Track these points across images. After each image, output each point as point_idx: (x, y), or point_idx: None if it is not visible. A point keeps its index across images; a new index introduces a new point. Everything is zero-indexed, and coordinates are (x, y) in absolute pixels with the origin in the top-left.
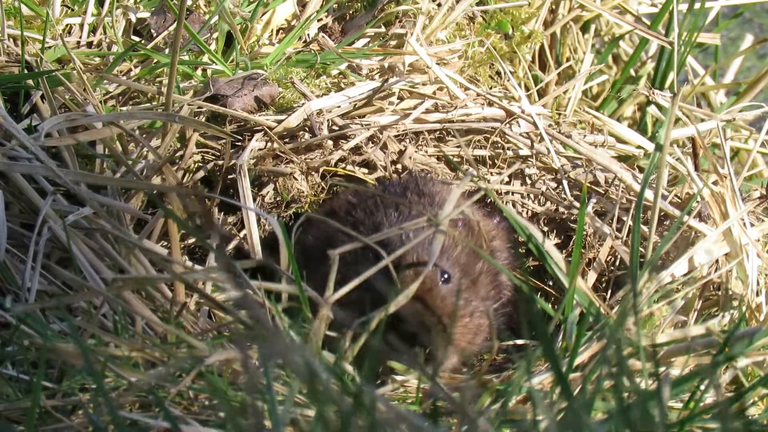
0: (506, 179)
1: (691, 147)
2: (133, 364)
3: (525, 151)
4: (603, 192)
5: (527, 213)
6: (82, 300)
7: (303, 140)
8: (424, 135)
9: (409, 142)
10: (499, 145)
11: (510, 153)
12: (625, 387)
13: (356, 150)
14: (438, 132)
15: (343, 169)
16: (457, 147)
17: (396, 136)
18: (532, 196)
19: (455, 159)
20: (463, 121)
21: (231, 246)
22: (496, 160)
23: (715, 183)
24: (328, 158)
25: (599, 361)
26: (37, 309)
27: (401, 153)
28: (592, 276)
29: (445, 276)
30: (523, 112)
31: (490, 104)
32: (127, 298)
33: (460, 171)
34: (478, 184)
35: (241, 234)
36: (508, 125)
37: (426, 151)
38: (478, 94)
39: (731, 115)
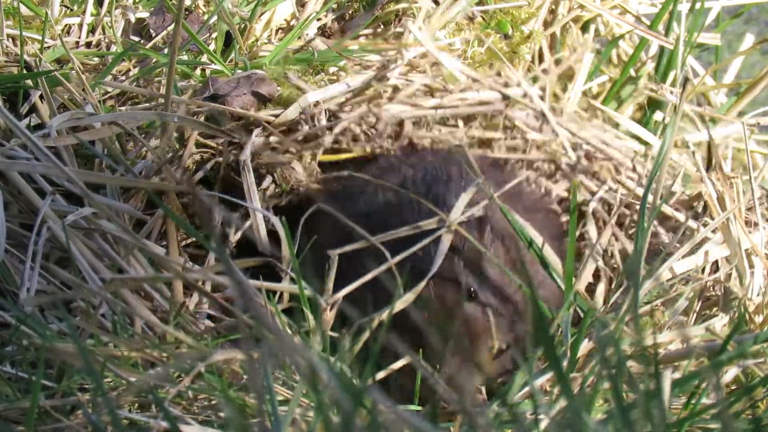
0: (511, 161)
1: (707, 149)
2: (133, 364)
3: (528, 135)
4: (609, 182)
5: (542, 190)
6: (84, 301)
7: (301, 132)
8: (425, 118)
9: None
10: (501, 128)
11: (515, 140)
12: (623, 388)
13: (349, 133)
14: (435, 118)
15: (338, 152)
16: (456, 128)
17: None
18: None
19: (455, 142)
20: (461, 105)
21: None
22: (498, 145)
23: (729, 184)
24: (322, 140)
25: (597, 362)
26: (43, 303)
27: (400, 128)
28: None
29: (472, 291)
30: (525, 95)
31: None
32: (126, 298)
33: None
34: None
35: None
36: (507, 108)
37: (429, 129)
38: (474, 80)
39: (756, 119)
